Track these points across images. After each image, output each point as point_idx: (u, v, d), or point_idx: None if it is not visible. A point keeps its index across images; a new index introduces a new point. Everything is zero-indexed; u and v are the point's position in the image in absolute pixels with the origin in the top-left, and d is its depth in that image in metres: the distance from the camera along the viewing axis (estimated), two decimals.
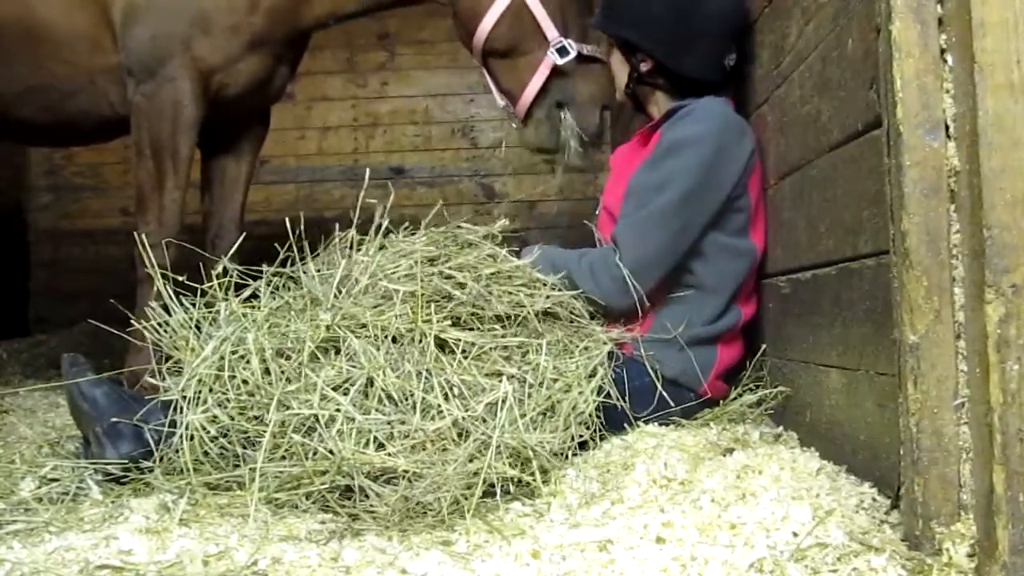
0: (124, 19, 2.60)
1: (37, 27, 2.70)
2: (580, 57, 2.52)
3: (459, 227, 2.10)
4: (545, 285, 2.02)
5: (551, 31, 2.50)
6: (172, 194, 2.62)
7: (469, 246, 2.03)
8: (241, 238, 2.45)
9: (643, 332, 2.12)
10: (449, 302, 1.84)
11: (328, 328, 1.72)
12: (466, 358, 1.76)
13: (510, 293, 1.93)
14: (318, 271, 1.93)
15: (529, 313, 1.91)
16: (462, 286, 1.86)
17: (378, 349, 1.70)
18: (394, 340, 1.75)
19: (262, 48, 2.68)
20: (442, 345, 1.78)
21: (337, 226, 2.02)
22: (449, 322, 1.81)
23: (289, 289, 1.92)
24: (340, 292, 1.83)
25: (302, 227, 1.90)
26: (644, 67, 2.32)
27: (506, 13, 2.54)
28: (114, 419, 1.79)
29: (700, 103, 2.22)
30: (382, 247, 1.95)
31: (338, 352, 1.72)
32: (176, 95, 2.58)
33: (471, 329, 1.85)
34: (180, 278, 2.01)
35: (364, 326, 1.74)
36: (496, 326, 1.89)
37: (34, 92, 2.80)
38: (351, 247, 1.97)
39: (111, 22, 2.64)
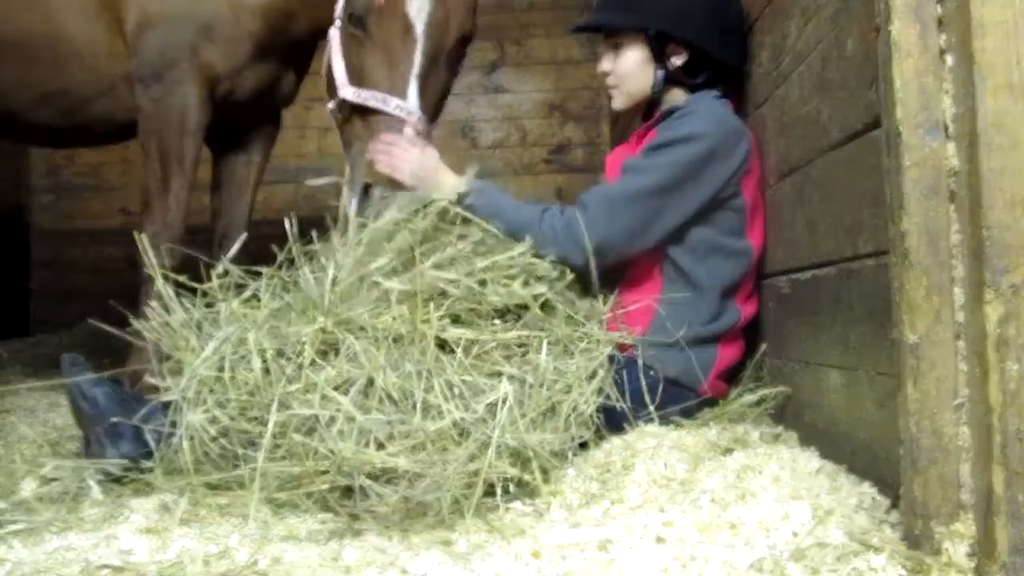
0: (136, 26, 2.66)
1: (58, 35, 2.77)
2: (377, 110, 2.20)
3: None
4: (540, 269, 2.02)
5: (340, 77, 2.28)
6: (177, 195, 2.65)
7: (446, 220, 1.99)
8: (243, 238, 2.46)
9: (642, 332, 2.12)
10: (445, 299, 1.83)
11: (325, 331, 1.72)
12: (467, 356, 1.76)
13: (505, 284, 1.91)
14: (314, 274, 1.92)
15: (528, 300, 1.89)
16: (456, 283, 1.85)
17: (378, 349, 1.70)
18: (395, 340, 1.75)
19: (266, 55, 2.72)
20: (442, 344, 1.78)
21: (330, 220, 2.02)
22: (448, 320, 1.81)
23: (288, 291, 1.92)
24: (334, 292, 1.82)
25: (296, 228, 1.89)
26: (678, 61, 2.25)
27: (325, 58, 2.40)
28: (114, 419, 1.79)
29: (701, 104, 2.22)
30: (360, 242, 1.92)
31: (338, 352, 1.72)
32: (183, 100, 2.62)
33: (470, 324, 1.85)
34: (181, 278, 2.02)
35: (363, 328, 1.74)
36: (495, 321, 1.89)
37: (52, 97, 2.85)
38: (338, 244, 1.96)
39: (124, 30, 2.67)
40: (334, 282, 1.84)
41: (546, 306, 1.98)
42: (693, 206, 2.11)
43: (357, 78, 2.25)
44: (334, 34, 2.33)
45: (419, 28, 2.19)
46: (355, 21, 2.23)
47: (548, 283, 2.00)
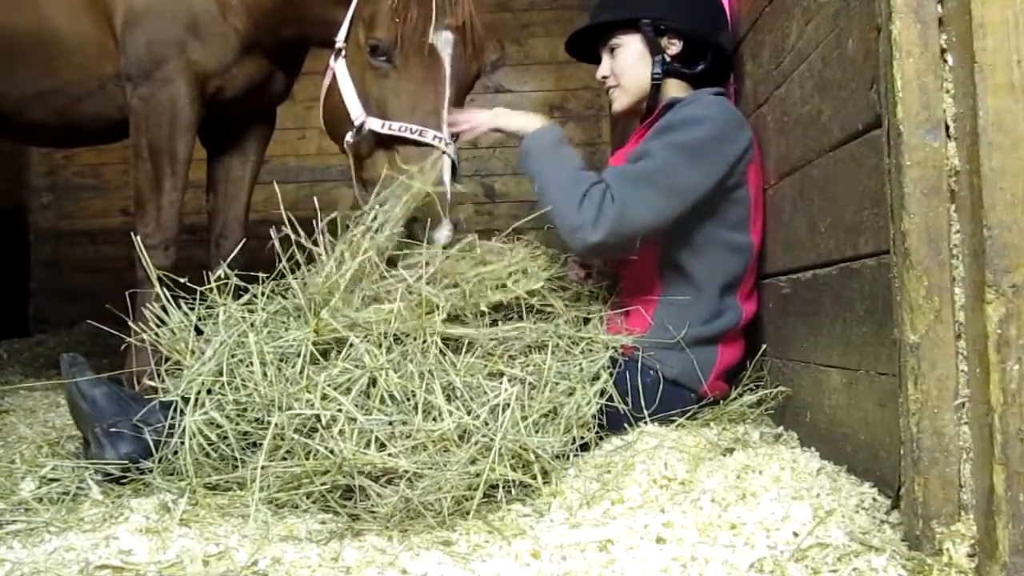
0: (123, 24, 2.65)
1: (48, 33, 2.75)
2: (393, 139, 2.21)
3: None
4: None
5: (355, 109, 2.28)
6: (170, 195, 2.64)
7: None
8: (243, 241, 2.45)
9: (643, 332, 2.12)
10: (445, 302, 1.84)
11: (318, 332, 1.72)
12: (470, 353, 1.76)
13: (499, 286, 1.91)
14: (304, 278, 1.90)
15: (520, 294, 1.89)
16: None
17: (380, 349, 1.70)
18: (396, 340, 1.74)
19: (255, 52, 2.70)
20: (445, 342, 1.77)
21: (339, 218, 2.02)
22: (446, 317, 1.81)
23: (284, 296, 1.92)
24: (326, 293, 1.82)
25: (288, 230, 1.89)
26: (673, 50, 2.29)
27: (328, 91, 2.38)
28: (114, 419, 1.78)
29: (702, 96, 2.23)
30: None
31: (340, 353, 1.72)
32: (172, 98, 2.61)
33: (468, 325, 1.85)
34: (181, 279, 2.01)
35: (357, 325, 1.74)
36: (496, 320, 1.89)
37: (45, 96, 2.84)
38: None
39: (113, 27, 2.66)
40: (326, 281, 1.82)
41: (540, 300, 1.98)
42: (708, 184, 2.08)
43: (380, 110, 2.25)
44: (339, 66, 2.33)
45: (447, 64, 2.26)
46: (380, 53, 2.25)
47: (538, 279, 1.99)
